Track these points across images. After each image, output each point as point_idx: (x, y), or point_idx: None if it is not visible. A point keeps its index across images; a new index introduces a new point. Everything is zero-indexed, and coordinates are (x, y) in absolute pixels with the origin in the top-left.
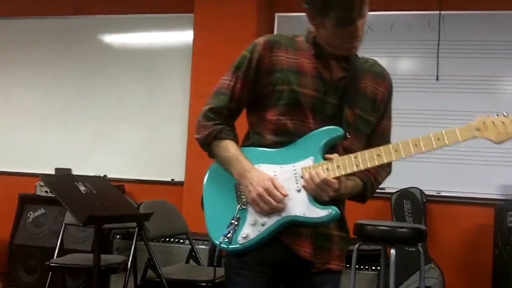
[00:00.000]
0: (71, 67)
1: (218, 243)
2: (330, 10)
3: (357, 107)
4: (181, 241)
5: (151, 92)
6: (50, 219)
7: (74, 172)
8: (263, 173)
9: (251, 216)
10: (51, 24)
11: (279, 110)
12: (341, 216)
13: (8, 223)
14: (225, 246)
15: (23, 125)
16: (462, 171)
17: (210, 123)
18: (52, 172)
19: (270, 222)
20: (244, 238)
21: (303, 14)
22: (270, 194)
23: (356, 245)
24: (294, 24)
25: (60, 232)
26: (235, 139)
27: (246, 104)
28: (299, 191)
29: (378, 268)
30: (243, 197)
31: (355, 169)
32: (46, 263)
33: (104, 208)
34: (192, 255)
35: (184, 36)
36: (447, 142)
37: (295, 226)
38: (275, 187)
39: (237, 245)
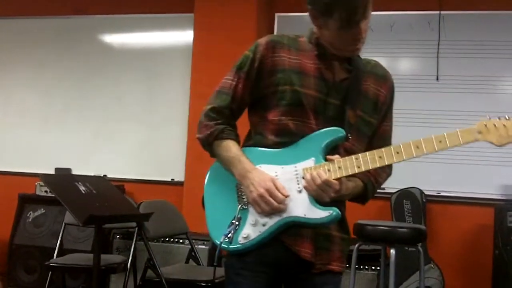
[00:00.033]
0: (71, 67)
1: (218, 243)
2: (334, 11)
3: (359, 109)
4: (181, 241)
5: (151, 92)
6: (50, 219)
7: (74, 172)
8: (265, 173)
9: (252, 216)
10: (51, 24)
11: (281, 111)
12: (342, 217)
13: (8, 223)
14: (226, 246)
15: (23, 125)
16: (462, 171)
17: (212, 123)
18: (52, 172)
19: (271, 222)
20: (244, 238)
21: (303, 14)
22: (271, 194)
23: (356, 245)
24: (294, 24)
25: (60, 232)
26: (236, 139)
27: (248, 104)
28: (300, 192)
29: (378, 268)
30: (244, 197)
31: (356, 170)
32: (46, 263)
33: (104, 208)
34: (192, 255)
35: (184, 36)
36: (448, 144)
37: (296, 226)
38: (276, 188)
39: (238, 245)
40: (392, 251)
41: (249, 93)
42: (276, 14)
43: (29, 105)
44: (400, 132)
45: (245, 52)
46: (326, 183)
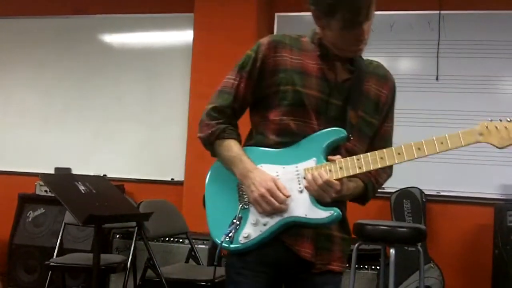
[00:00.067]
0: (71, 67)
1: (219, 242)
2: (337, 12)
3: (360, 109)
4: (181, 240)
5: (151, 92)
6: (49, 219)
7: (74, 172)
8: (266, 173)
9: (253, 216)
10: (51, 24)
11: (282, 111)
12: (342, 217)
13: (8, 222)
14: (227, 245)
15: (23, 125)
16: (462, 171)
17: (213, 122)
18: (52, 171)
19: (272, 222)
20: (245, 237)
21: (303, 14)
22: (272, 194)
23: (356, 245)
24: (294, 24)
25: (59, 231)
26: (238, 138)
27: (250, 104)
28: (301, 192)
29: (378, 267)
30: (245, 196)
31: (357, 171)
32: (46, 262)
33: (104, 208)
34: (192, 255)
35: (184, 36)
36: (450, 146)
37: (297, 226)
38: (278, 188)
39: (239, 245)
40: (392, 251)
41: (251, 93)
42: (276, 14)
43: (29, 105)
44: (400, 132)
45: (247, 51)
46: (327, 183)
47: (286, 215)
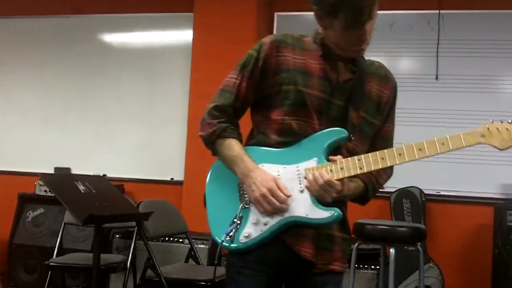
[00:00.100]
0: (71, 67)
1: (220, 241)
2: (339, 12)
3: (362, 110)
4: (181, 240)
5: (151, 92)
6: (49, 219)
7: (74, 172)
8: (267, 173)
9: (253, 215)
10: (51, 23)
11: (284, 110)
12: (343, 217)
13: (8, 222)
14: (227, 245)
15: (23, 125)
16: (462, 171)
17: (215, 121)
18: (52, 171)
19: (273, 222)
20: (246, 237)
21: (303, 13)
22: (273, 194)
23: (356, 244)
24: (293, 23)
25: (59, 231)
26: (239, 137)
27: (251, 103)
28: (302, 191)
29: (378, 267)
30: (246, 196)
31: (358, 171)
32: (46, 262)
33: (104, 208)
34: (192, 255)
35: (184, 36)
36: (451, 147)
37: (297, 226)
38: (279, 188)
39: (239, 244)
40: (392, 251)
41: (253, 92)
42: (276, 14)
43: (29, 105)
44: (399, 131)
45: (249, 51)
46: (328, 183)
47: (286, 215)
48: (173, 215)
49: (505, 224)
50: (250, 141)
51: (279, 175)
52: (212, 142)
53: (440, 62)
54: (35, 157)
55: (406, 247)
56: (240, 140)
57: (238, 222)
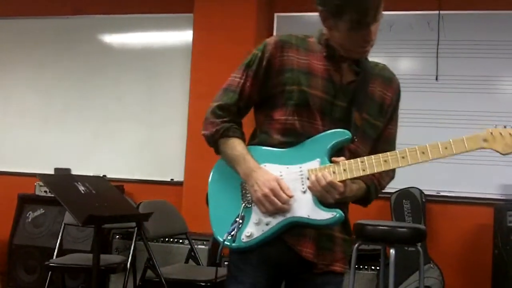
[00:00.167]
0: (71, 67)
1: (222, 240)
2: (344, 13)
3: (365, 111)
4: (180, 241)
5: (151, 92)
6: (49, 219)
7: (74, 172)
8: (269, 173)
9: (255, 215)
10: (51, 24)
11: (287, 110)
12: (345, 218)
13: (8, 223)
14: (229, 244)
15: (23, 125)
16: (462, 171)
17: (218, 120)
18: (52, 172)
19: (274, 222)
20: (248, 236)
21: (303, 14)
22: (275, 194)
23: (356, 245)
24: (293, 24)
25: (59, 232)
26: (242, 137)
27: (255, 103)
28: (304, 192)
29: (378, 268)
30: (248, 195)
31: (361, 173)
32: (46, 263)
33: (104, 208)
34: (192, 255)
35: (184, 36)
36: (454, 151)
37: (299, 227)
38: (281, 188)
39: (241, 244)
40: (392, 251)
41: (257, 92)
42: (276, 14)
43: (29, 105)
44: (399, 132)
45: (254, 50)
46: (331, 184)
47: (288, 215)
48: (173, 215)
49: (505, 225)
50: (253, 141)
51: (281, 175)
52: (215, 141)
53: (440, 62)
54: (35, 157)
55: (406, 248)
56: (243, 140)
57: (240, 221)
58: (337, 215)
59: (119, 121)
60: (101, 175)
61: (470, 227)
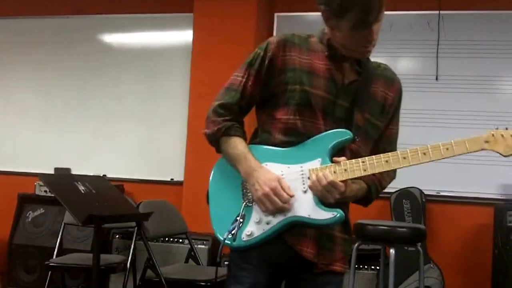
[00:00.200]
0: (71, 67)
1: (222, 238)
2: (347, 12)
3: (367, 111)
4: (180, 240)
5: (151, 92)
6: (49, 219)
7: (74, 172)
8: (270, 172)
9: (256, 214)
10: (51, 24)
11: (289, 110)
12: (345, 218)
13: (8, 222)
14: (229, 243)
15: (23, 125)
16: (462, 171)
17: (220, 119)
18: (52, 171)
19: (275, 221)
20: (248, 235)
21: (303, 13)
22: (276, 194)
23: (356, 245)
24: (293, 23)
25: (59, 231)
26: (243, 136)
27: (257, 102)
28: (305, 192)
29: (378, 267)
30: (249, 194)
31: (362, 173)
32: (46, 262)
33: (104, 208)
34: (192, 255)
35: (184, 36)
36: (455, 152)
37: (299, 226)
38: (282, 187)
39: (241, 242)
40: (392, 251)
41: (258, 91)
42: (276, 14)
43: (29, 105)
44: (400, 131)
45: (256, 49)
46: (332, 184)
47: (289, 214)
48: (173, 215)
49: (505, 225)
50: (254, 140)
51: (282, 174)
52: (216, 140)
53: (440, 62)
54: (35, 157)
55: (406, 248)
56: (245, 139)
57: (241, 220)
58: (338, 215)
59: (119, 121)
60: (101, 175)
61: (470, 227)
